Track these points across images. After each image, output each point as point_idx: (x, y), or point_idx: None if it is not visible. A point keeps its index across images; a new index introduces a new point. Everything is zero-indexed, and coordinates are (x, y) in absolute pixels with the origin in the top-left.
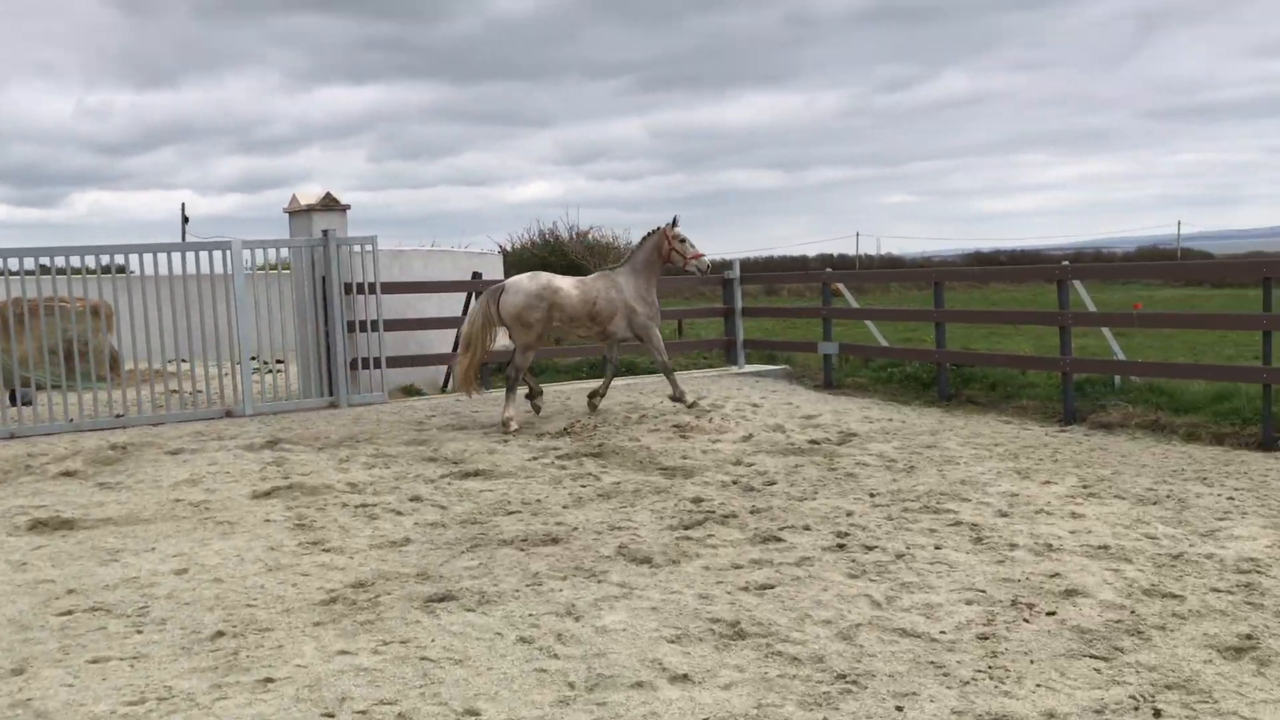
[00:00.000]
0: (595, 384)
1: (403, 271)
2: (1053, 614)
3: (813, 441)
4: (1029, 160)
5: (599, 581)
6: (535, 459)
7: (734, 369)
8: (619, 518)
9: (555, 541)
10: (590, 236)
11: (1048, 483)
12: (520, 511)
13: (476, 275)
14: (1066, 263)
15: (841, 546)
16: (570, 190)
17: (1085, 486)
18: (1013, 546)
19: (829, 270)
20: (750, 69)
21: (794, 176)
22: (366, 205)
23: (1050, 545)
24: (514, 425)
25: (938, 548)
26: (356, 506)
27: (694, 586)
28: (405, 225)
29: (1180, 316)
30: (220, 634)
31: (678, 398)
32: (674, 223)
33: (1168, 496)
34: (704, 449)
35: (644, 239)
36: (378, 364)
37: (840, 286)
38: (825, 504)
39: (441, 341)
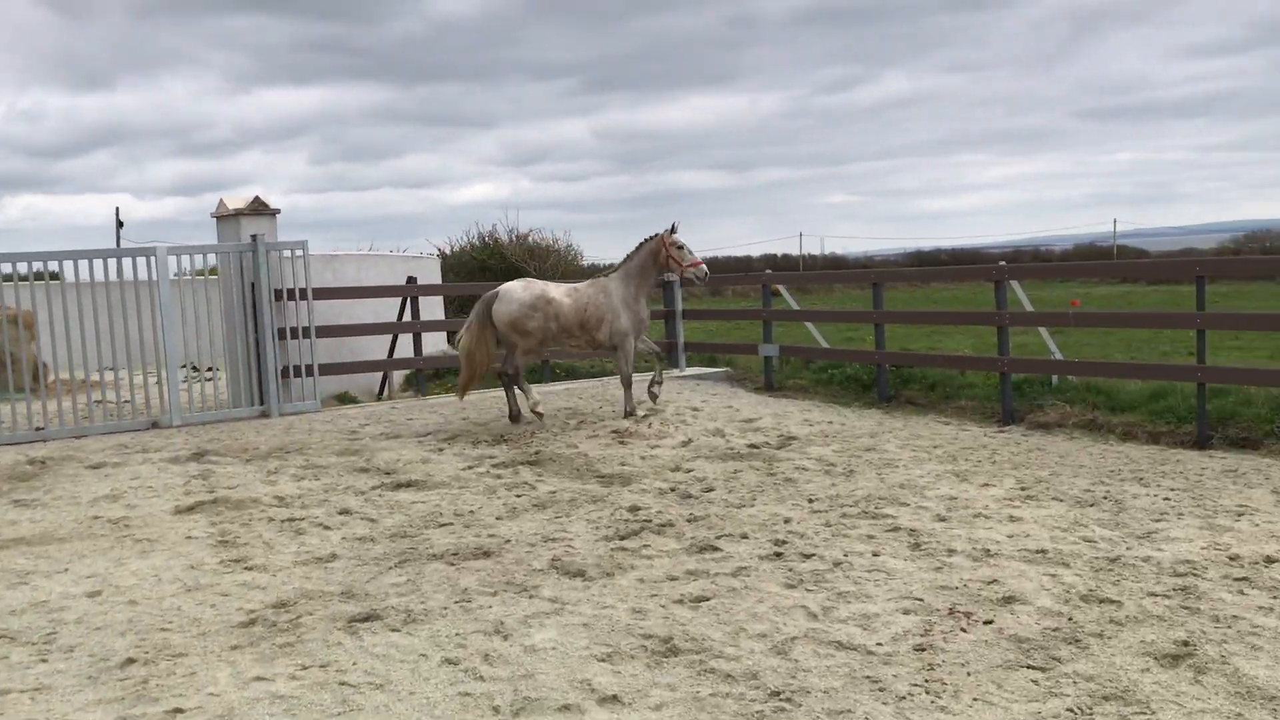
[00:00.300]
0: (532, 389)
1: (336, 277)
2: (990, 623)
3: (752, 446)
4: (968, 160)
5: (530, 597)
6: (470, 468)
7: (675, 372)
8: (554, 529)
9: (487, 555)
10: (530, 239)
11: (986, 485)
12: (452, 524)
13: (411, 280)
14: (1004, 263)
15: (779, 555)
16: (515, 192)
17: (1023, 489)
18: (951, 552)
19: (768, 271)
20: (693, 70)
21: (739, 177)
22: (308, 209)
23: (988, 550)
24: (540, 407)
25: (875, 555)
26: (283, 521)
27: (627, 600)
28: (348, 228)
29: (1116, 315)
30: (130, 661)
31: (629, 413)
32: (672, 229)
33: (1105, 498)
34: (643, 455)
35: (641, 245)
36: (310, 371)
37: (780, 288)
38: (763, 511)
39: (377, 347)
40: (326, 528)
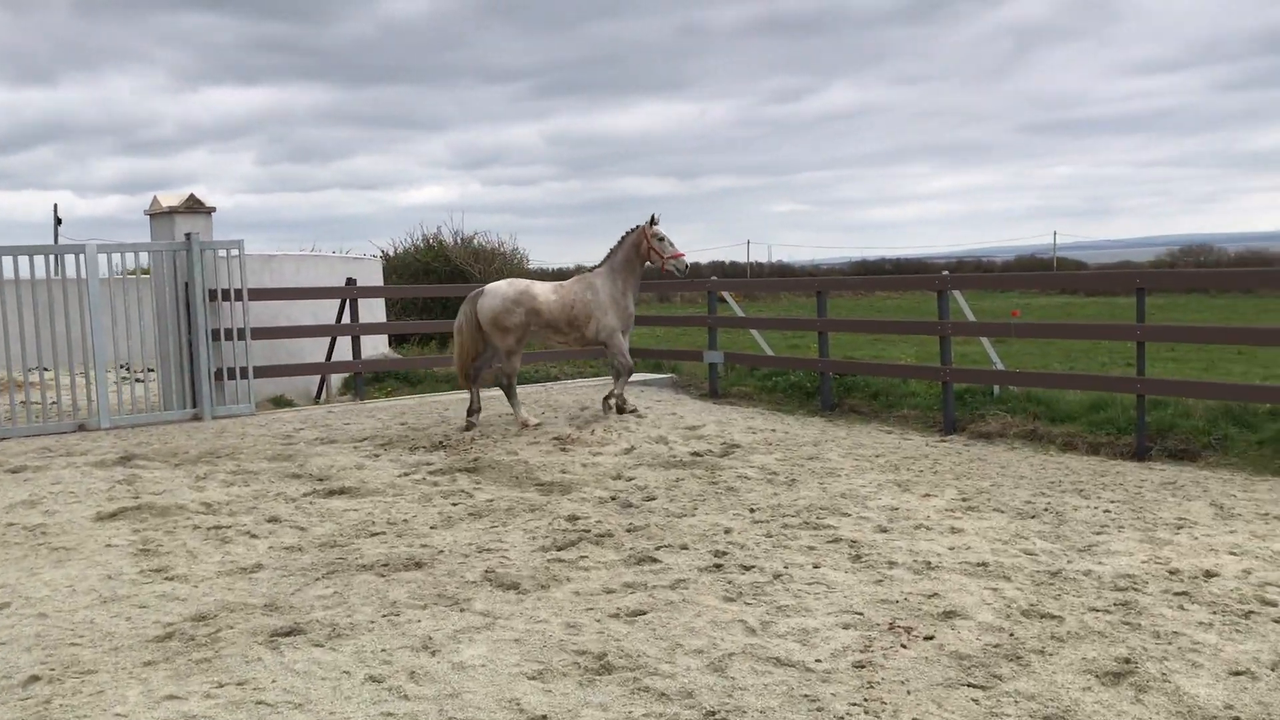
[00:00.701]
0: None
1: (274, 277)
2: (931, 638)
3: (695, 454)
4: (912, 171)
5: (461, 611)
6: (406, 475)
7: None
8: (489, 539)
9: (418, 566)
10: (476, 241)
11: (928, 496)
12: (384, 533)
13: (351, 281)
14: (947, 273)
15: (718, 567)
16: (465, 195)
17: (965, 499)
18: (892, 564)
19: (715, 278)
20: (645, 77)
21: (688, 184)
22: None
23: (929, 563)
24: (533, 421)
25: (816, 566)
26: (209, 529)
27: (562, 614)
28: (295, 229)
29: (1058, 326)
30: (35, 679)
31: (620, 406)
32: (652, 220)
33: (1046, 510)
34: (584, 462)
35: (623, 238)
36: (245, 374)
37: (726, 294)
38: (704, 520)
39: (315, 350)
40: (253, 536)
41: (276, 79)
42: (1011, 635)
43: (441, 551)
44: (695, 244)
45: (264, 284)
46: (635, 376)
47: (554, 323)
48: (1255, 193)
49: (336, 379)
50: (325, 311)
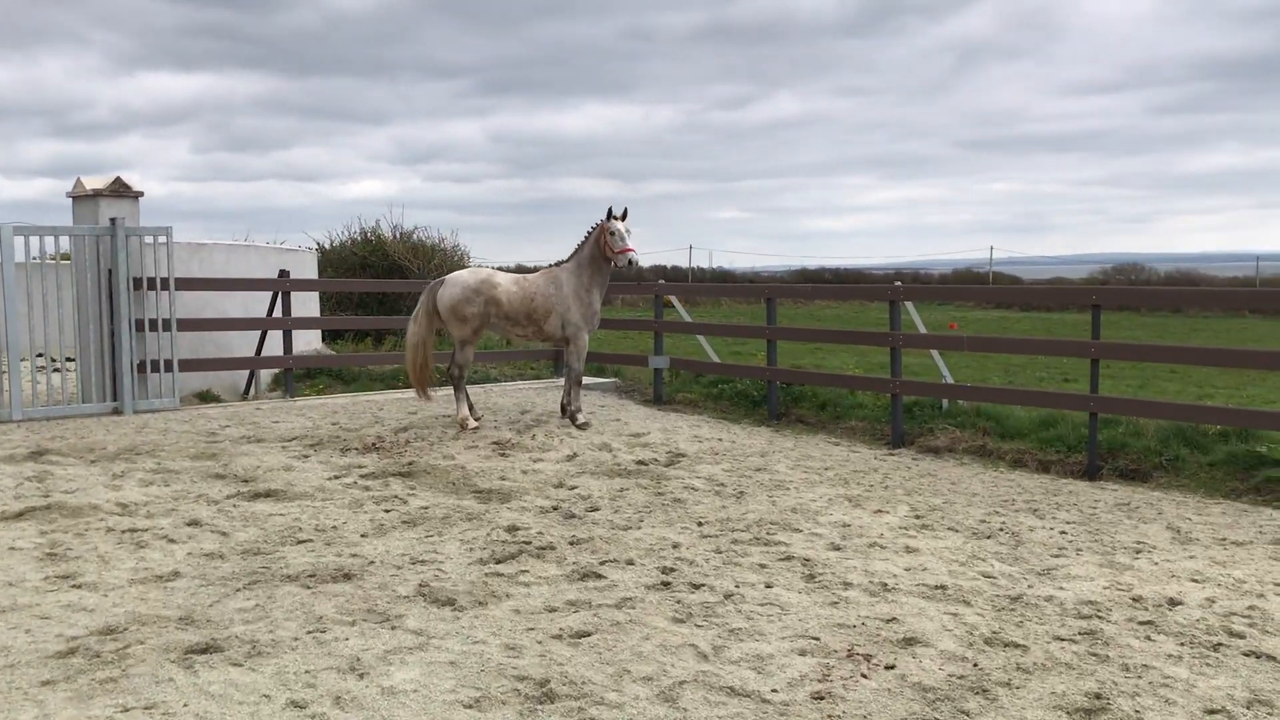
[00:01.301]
0: (409, 392)
1: (203, 267)
2: (892, 668)
3: (640, 462)
4: (853, 182)
5: (392, 628)
6: (336, 478)
7: (561, 381)
8: (423, 549)
9: (347, 578)
10: (415, 236)
11: (880, 512)
12: (311, 540)
13: (284, 273)
14: (899, 284)
15: (667, 585)
16: (405, 190)
17: (918, 517)
18: (847, 585)
19: (662, 282)
20: (590, 79)
21: (631, 187)
22: (189, 197)
23: (885, 584)
24: (472, 423)
25: (769, 586)
26: (123, 532)
27: (501, 634)
28: (230, 219)
29: (1011, 340)
30: None
31: (574, 412)
32: (609, 215)
33: (1001, 529)
34: (524, 469)
35: (589, 233)
36: (170, 367)
37: (673, 298)
38: (650, 534)
39: (244, 344)
40: (171, 541)
41: (216, 66)
42: (975, 665)
43: (372, 562)
44: (638, 248)
45: (193, 273)
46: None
47: (513, 315)
48: (1185, 214)
49: (266, 374)
50: (256, 304)
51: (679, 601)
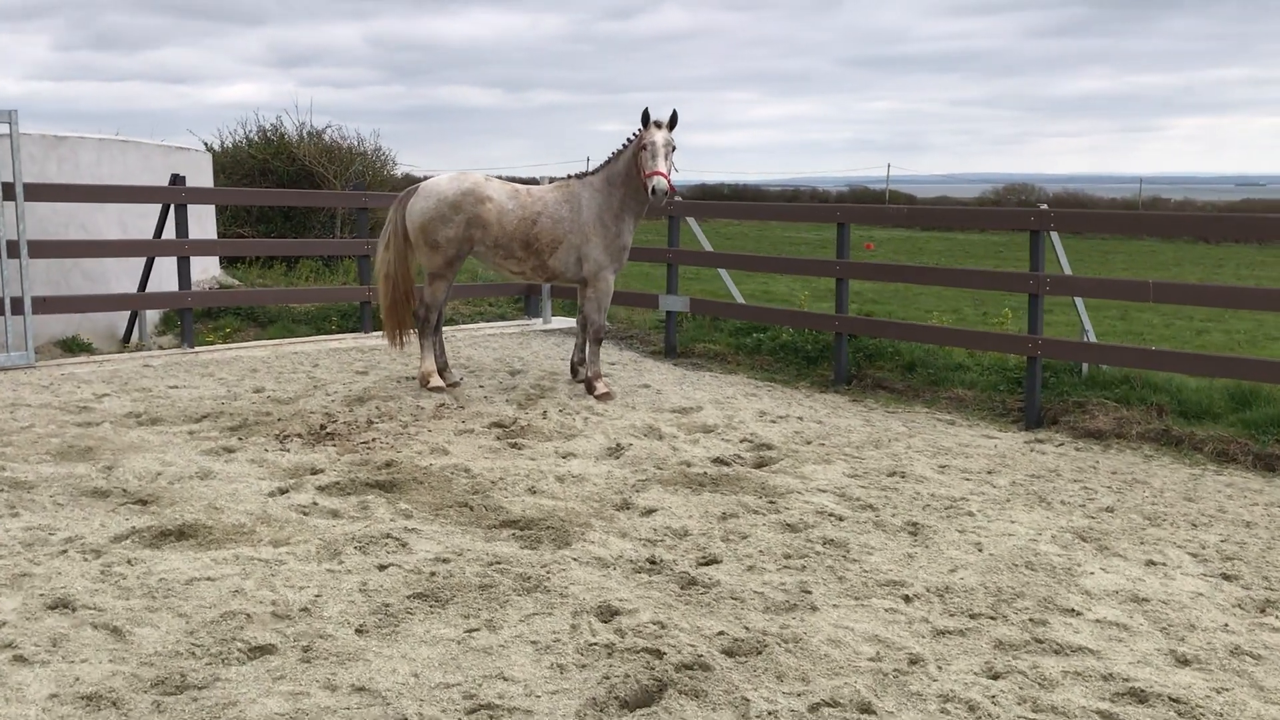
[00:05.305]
0: (348, 339)
1: (64, 169)
2: None
3: (717, 461)
4: (738, 98)
5: None
6: (283, 493)
7: (537, 324)
8: (477, 671)
9: None
10: (328, 137)
11: (1154, 564)
12: (273, 647)
13: (178, 179)
14: (1046, 207)
15: None
16: (279, 95)
17: (1228, 578)
18: None
19: (679, 199)
20: None
21: (515, 97)
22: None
23: None
24: (435, 381)
25: None
26: None
27: None
28: (92, 120)
29: (1219, 290)
30: None
31: (591, 379)
32: (644, 119)
33: None
34: (558, 473)
35: (626, 143)
36: (18, 307)
37: (692, 220)
38: (841, 625)
39: (124, 274)
40: (21, 659)
41: None
42: None
43: (390, 703)
44: (526, 159)
45: (50, 178)
46: (557, 322)
47: (504, 241)
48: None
49: (154, 314)
50: (140, 220)
51: None
